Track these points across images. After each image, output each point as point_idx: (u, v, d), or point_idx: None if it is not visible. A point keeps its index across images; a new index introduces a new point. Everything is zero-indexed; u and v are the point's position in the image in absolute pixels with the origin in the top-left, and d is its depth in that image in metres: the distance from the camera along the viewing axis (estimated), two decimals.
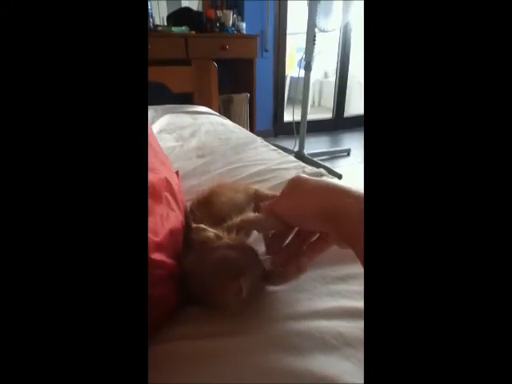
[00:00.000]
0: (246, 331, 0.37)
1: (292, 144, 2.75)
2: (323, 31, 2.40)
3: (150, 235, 0.37)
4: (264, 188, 0.51)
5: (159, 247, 0.38)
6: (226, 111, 2.70)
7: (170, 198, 0.46)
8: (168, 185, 0.48)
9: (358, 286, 0.43)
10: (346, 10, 2.36)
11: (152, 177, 0.45)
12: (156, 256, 0.37)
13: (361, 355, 0.33)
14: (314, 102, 4.88)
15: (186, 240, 0.45)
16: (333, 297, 0.42)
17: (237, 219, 0.42)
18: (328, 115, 3.84)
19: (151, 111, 1.43)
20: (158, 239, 0.38)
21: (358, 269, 0.46)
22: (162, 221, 0.41)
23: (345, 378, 0.31)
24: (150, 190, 0.42)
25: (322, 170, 0.84)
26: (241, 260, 0.39)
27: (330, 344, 0.35)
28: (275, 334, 0.36)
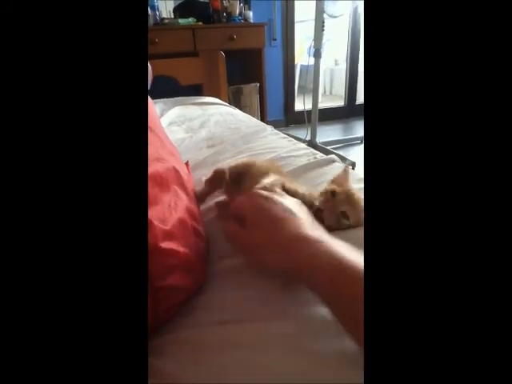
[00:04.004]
0: (276, 317, 0.37)
1: (304, 133, 2.72)
2: (332, 16, 2.35)
3: (158, 224, 0.36)
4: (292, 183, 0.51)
5: (169, 236, 0.38)
6: (235, 102, 2.68)
7: (177, 188, 0.46)
8: (176, 174, 0.47)
9: None
10: None
11: (159, 166, 0.44)
12: (166, 245, 0.37)
13: None
14: (325, 90, 4.81)
15: None
16: None
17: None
18: (340, 103, 3.79)
19: (160, 104, 1.43)
20: (166, 228, 0.38)
21: None
22: (170, 210, 0.40)
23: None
24: (157, 180, 0.42)
25: (333, 157, 0.82)
26: None
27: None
28: (307, 319, 0.36)
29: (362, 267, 0.29)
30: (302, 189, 0.48)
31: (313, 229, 0.38)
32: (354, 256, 0.32)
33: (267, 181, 0.48)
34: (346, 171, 0.51)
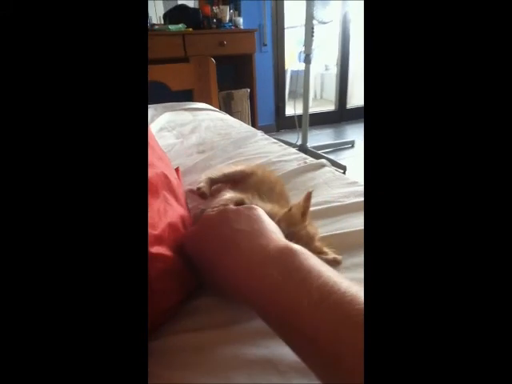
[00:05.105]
0: (248, 321, 0.37)
1: (295, 138, 2.73)
2: (321, 22, 2.38)
3: (148, 229, 0.36)
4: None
5: (158, 240, 0.38)
6: (226, 108, 2.69)
7: (167, 193, 0.46)
8: (166, 179, 0.47)
9: (359, 274, 0.43)
10: (343, 1, 2.33)
11: (149, 172, 0.44)
12: (155, 249, 0.37)
13: None
14: (315, 95, 4.85)
15: None
16: None
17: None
18: (331, 107, 3.82)
19: (151, 110, 1.43)
20: (156, 232, 0.37)
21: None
22: (160, 215, 0.40)
23: None
24: None
25: (323, 161, 0.83)
26: None
27: None
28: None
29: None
30: (266, 206, 0.47)
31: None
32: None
33: (225, 197, 0.47)
34: (308, 198, 0.48)
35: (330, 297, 0.25)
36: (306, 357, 0.27)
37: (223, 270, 0.34)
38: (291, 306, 0.27)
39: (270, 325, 0.29)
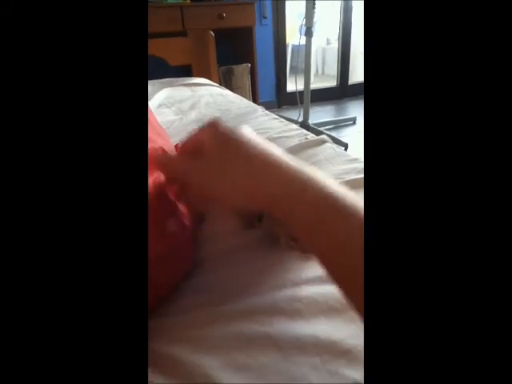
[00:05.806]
0: (248, 298, 0.37)
1: (297, 114, 2.70)
2: None
3: None
4: None
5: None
6: (227, 84, 2.64)
7: None
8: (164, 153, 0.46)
9: None
10: None
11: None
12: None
13: None
14: (317, 71, 4.76)
15: None
16: None
17: None
18: (332, 83, 3.75)
19: (149, 86, 1.40)
20: None
21: None
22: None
23: (350, 341, 0.31)
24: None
25: (324, 137, 0.81)
26: None
27: (333, 308, 0.34)
28: (279, 300, 0.36)
29: (361, 210, 0.25)
30: None
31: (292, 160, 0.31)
32: (351, 194, 0.27)
33: None
34: None
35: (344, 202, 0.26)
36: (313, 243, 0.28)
37: (230, 175, 0.31)
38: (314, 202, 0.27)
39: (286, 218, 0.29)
